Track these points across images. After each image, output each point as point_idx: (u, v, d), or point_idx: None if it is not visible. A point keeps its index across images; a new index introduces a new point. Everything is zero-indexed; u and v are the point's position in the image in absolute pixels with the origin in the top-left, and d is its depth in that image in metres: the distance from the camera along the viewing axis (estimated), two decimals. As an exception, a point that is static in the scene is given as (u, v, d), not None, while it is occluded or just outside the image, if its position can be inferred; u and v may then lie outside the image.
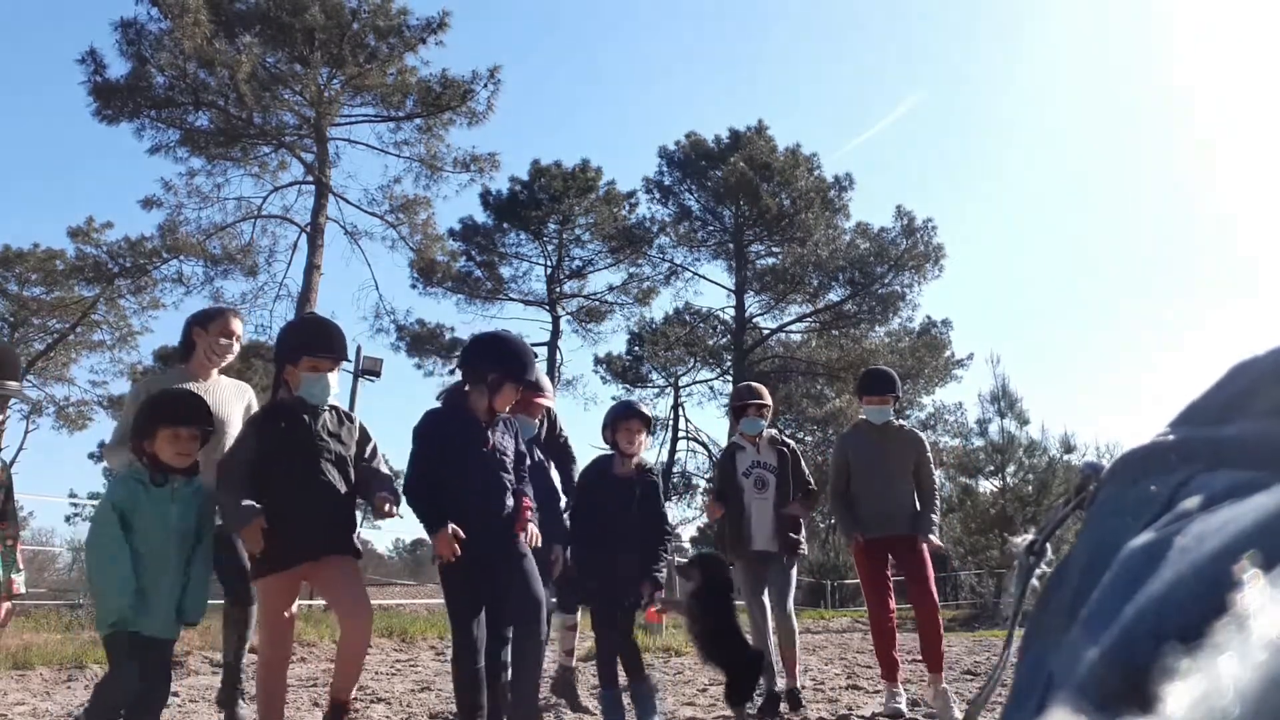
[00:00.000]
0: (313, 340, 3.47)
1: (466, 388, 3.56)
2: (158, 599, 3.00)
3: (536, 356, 4.05)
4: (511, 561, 3.40)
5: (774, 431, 5.09)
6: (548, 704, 4.74)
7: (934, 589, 4.77)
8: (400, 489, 3.52)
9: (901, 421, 5.10)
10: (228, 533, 3.43)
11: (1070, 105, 67.67)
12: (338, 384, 3.50)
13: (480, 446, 3.43)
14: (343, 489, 3.36)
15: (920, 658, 5.02)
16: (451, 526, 3.25)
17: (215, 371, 3.93)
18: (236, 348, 3.96)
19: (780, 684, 4.68)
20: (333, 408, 3.47)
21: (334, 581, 3.37)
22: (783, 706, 4.60)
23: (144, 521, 3.02)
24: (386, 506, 3.33)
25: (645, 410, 4.20)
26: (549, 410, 4.86)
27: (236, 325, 3.94)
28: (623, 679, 3.98)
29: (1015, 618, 0.50)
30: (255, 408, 3.99)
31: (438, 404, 3.67)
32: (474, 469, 3.41)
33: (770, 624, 4.70)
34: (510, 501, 3.45)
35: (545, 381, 4.51)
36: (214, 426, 3.29)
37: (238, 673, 3.90)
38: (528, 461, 3.70)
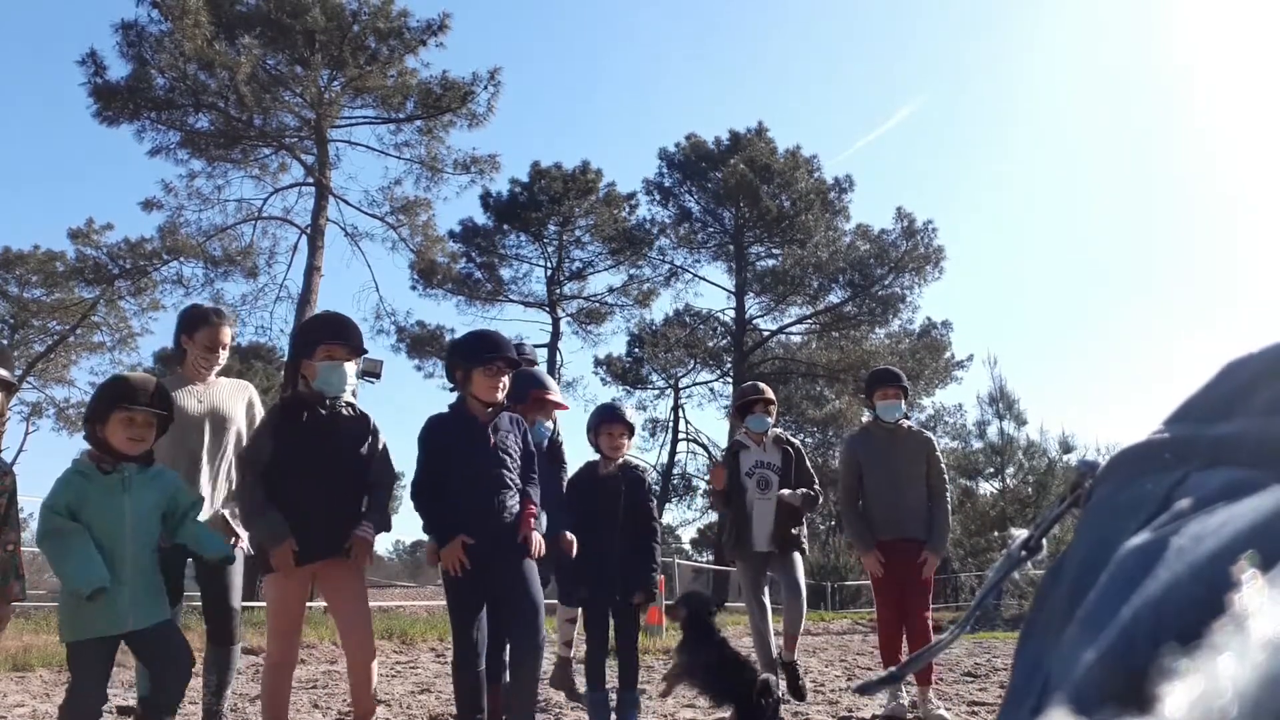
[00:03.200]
0: (328, 331, 3.46)
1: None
2: (119, 593, 2.84)
3: (520, 349, 3.99)
4: (512, 563, 3.38)
5: (779, 430, 5.05)
6: (545, 704, 4.73)
7: (929, 607, 4.77)
8: (408, 491, 3.54)
9: (908, 422, 5.06)
10: (258, 549, 3.35)
11: (1070, 108, 67.72)
12: (355, 378, 3.48)
13: (481, 446, 3.42)
14: (358, 486, 3.36)
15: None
16: (460, 539, 3.25)
17: (212, 373, 3.86)
18: (225, 355, 3.84)
19: (777, 682, 4.67)
20: (350, 404, 3.46)
21: (339, 593, 3.37)
22: (781, 683, 4.57)
23: (92, 516, 2.86)
24: (363, 541, 3.29)
25: (628, 414, 4.19)
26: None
27: (225, 335, 3.81)
28: (613, 682, 3.95)
29: (980, 601, 0.50)
30: (257, 404, 3.96)
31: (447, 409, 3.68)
32: (475, 469, 3.40)
33: (770, 623, 4.69)
34: (513, 502, 3.43)
35: (549, 380, 4.47)
36: (171, 414, 3.09)
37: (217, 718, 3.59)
38: (536, 461, 3.65)
